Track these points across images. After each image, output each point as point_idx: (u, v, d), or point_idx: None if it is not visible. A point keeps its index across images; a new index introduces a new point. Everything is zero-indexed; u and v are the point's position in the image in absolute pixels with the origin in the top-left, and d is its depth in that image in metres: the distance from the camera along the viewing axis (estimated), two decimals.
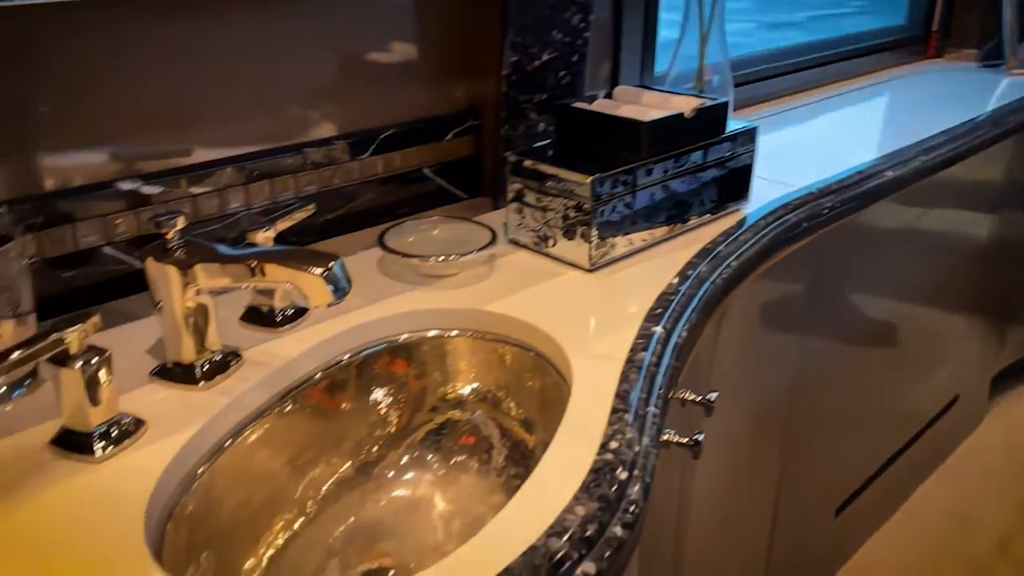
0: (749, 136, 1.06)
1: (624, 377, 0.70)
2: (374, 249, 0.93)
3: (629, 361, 0.73)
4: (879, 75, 1.97)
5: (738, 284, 0.99)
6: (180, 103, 0.85)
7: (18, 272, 0.66)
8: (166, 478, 0.60)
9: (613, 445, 0.61)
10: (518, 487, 0.58)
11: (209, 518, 0.65)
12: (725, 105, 1.01)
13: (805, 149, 1.39)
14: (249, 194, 0.92)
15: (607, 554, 0.53)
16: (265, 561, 0.70)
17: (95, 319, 0.60)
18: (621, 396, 0.68)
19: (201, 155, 0.87)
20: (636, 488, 0.59)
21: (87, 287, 0.82)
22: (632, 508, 0.57)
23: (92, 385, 0.60)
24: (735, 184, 1.07)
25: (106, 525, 0.54)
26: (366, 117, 1.01)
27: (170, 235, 0.66)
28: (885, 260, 1.42)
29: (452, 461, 0.82)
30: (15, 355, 0.55)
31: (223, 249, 0.67)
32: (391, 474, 0.81)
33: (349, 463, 0.80)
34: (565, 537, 0.52)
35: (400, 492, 0.80)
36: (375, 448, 0.81)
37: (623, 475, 0.59)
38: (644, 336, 0.77)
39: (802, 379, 1.28)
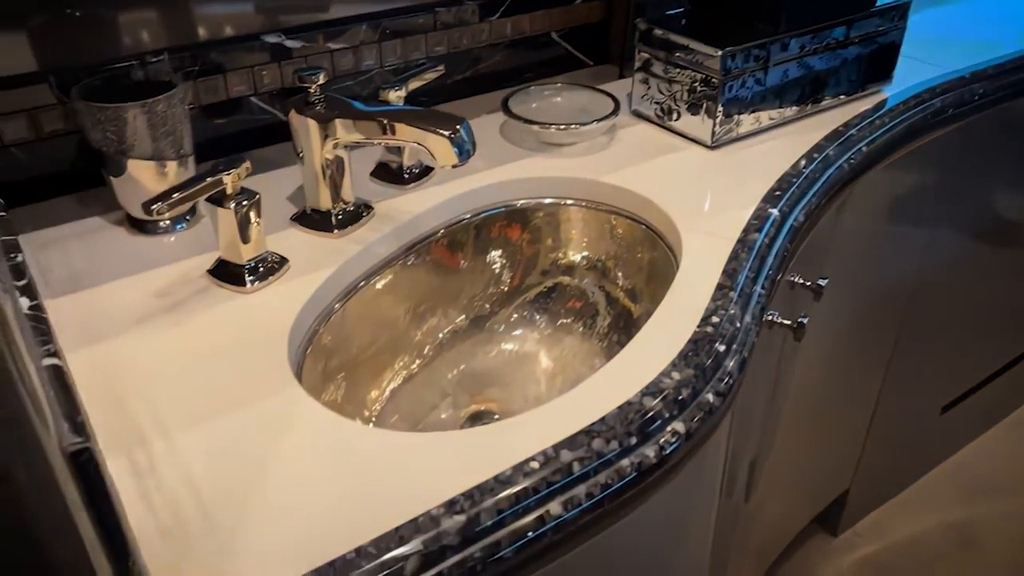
0: (900, 12, 0.98)
1: (734, 255, 0.72)
2: (498, 113, 0.95)
3: (740, 241, 0.74)
4: None
5: (868, 170, 0.96)
6: None
7: (181, 116, 0.73)
8: (306, 311, 0.67)
9: (715, 320, 0.64)
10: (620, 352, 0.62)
11: (340, 350, 0.73)
12: None
13: (966, 27, 1.27)
14: (382, 52, 0.95)
15: (697, 417, 0.57)
16: (387, 393, 0.78)
17: (247, 164, 0.66)
18: (728, 274, 0.69)
19: (338, 11, 0.90)
20: (733, 362, 0.61)
21: (236, 134, 0.89)
22: (727, 379, 0.60)
23: (244, 224, 0.67)
24: (879, 63, 1.01)
25: (256, 345, 0.62)
26: None
27: (313, 89, 0.71)
28: None
29: (558, 323, 0.87)
30: (177, 195, 0.62)
31: (359, 105, 0.71)
32: (501, 329, 0.87)
33: (463, 316, 0.86)
34: (659, 398, 0.56)
35: (508, 346, 0.86)
36: (488, 304, 0.87)
37: (721, 347, 0.61)
38: (759, 217, 0.77)
39: (925, 272, 1.24)
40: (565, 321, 0.88)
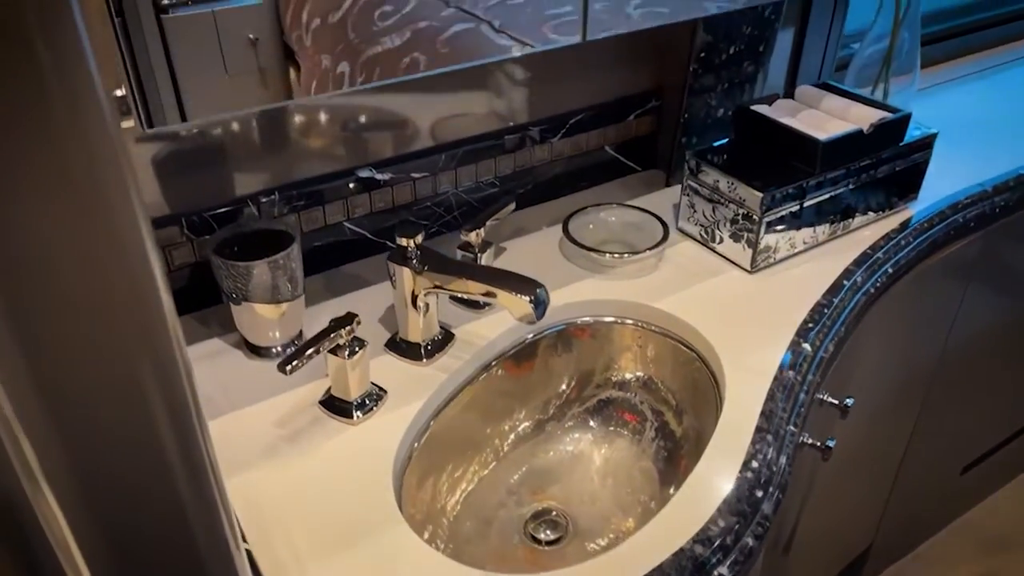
0: (927, 142, 1.08)
1: (770, 396, 0.83)
2: (556, 227, 1.06)
3: (776, 379, 0.85)
4: None
5: (894, 285, 1.06)
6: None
7: (296, 261, 0.85)
8: (404, 438, 0.80)
9: (754, 465, 0.75)
10: (664, 458, 0.72)
11: (429, 466, 0.85)
12: (907, 118, 1.03)
13: (982, 129, 1.36)
14: (458, 176, 1.06)
15: (739, 559, 0.68)
16: (462, 496, 0.90)
17: (358, 319, 0.78)
18: (765, 415, 0.80)
19: (420, 143, 1.02)
20: (769, 504, 0.73)
21: (331, 253, 1.01)
22: (764, 522, 0.71)
23: (354, 369, 0.79)
24: (906, 184, 1.11)
25: (366, 475, 0.74)
26: (559, 104, 1.11)
27: (409, 246, 0.83)
28: None
29: (610, 429, 0.99)
30: (307, 352, 0.74)
31: (450, 262, 0.83)
32: (560, 433, 0.99)
33: (528, 422, 0.98)
34: (707, 546, 0.67)
35: (566, 448, 0.98)
36: (549, 410, 0.99)
37: (759, 493, 0.73)
38: (794, 352, 0.88)
39: (949, 353, 1.33)
40: (616, 428, 0.99)
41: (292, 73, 0.64)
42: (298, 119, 0.92)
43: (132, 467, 0.34)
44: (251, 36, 0.61)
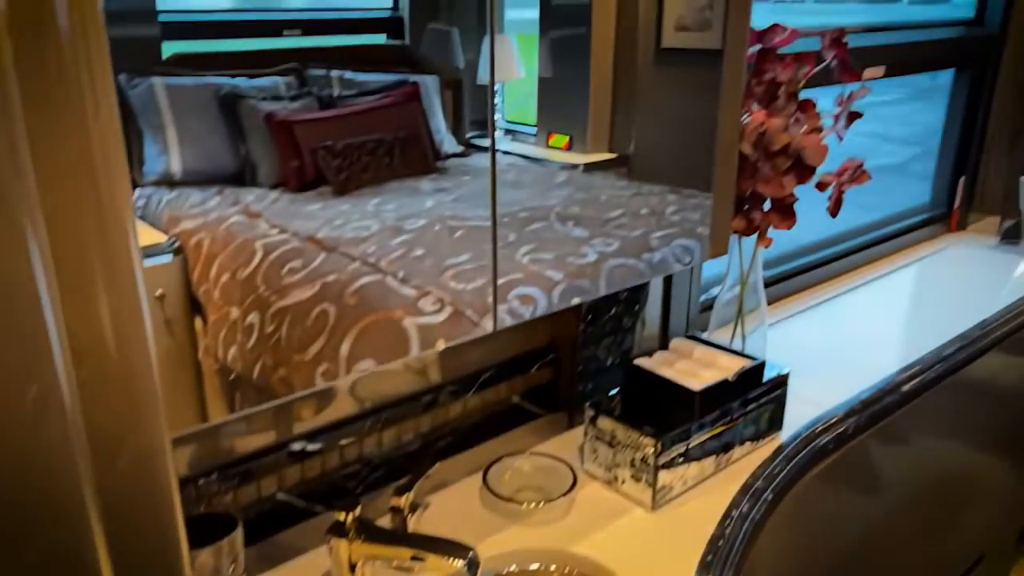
0: (782, 380, 1.28)
1: None
2: (475, 476, 1.16)
3: None
4: (906, 254, 2.17)
5: (777, 506, 1.19)
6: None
7: (240, 544, 0.90)
8: None
9: None
10: None
11: None
12: (763, 364, 1.23)
13: (832, 355, 1.60)
14: (382, 438, 1.16)
15: None
16: None
17: None
18: None
19: (345, 410, 1.12)
20: None
21: (267, 523, 1.06)
22: None
23: None
24: (772, 418, 1.29)
25: None
26: (472, 364, 1.25)
27: (347, 520, 0.90)
28: (911, 452, 1.61)
29: None
30: None
31: (384, 532, 0.90)
32: None
33: None
34: None
35: None
36: None
37: None
38: None
39: (842, 548, 1.46)
40: None
41: (199, 323, 0.71)
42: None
43: None
44: (158, 293, 0.68)
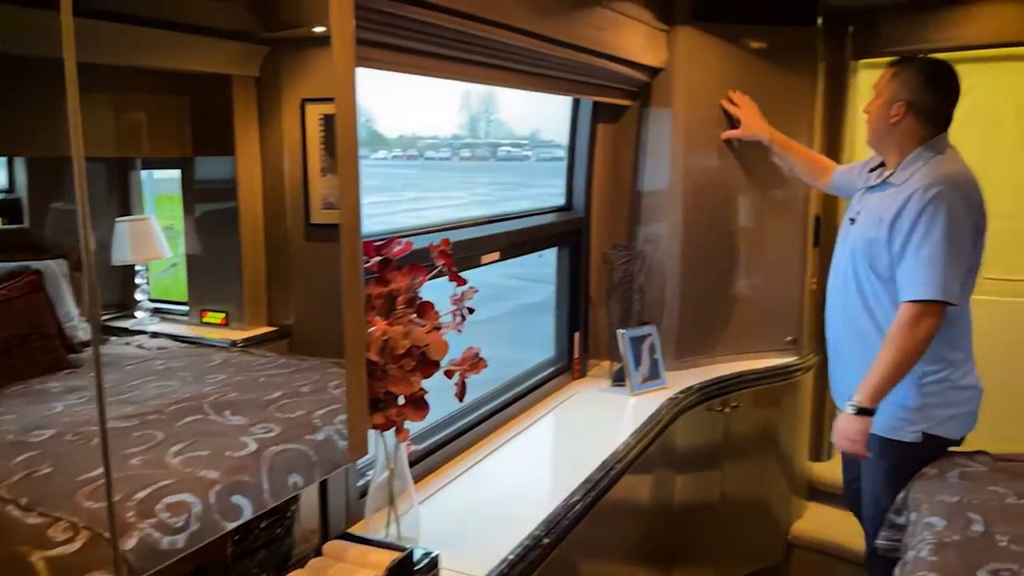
0: (434, 561, 1.37)
1: None
2: None
3: None
4: (541, 405, 2.47)
5: None
6: None
7: None
8: None
9: None
10: None
11: None
12: (411, 553, 1.32)
13: (486, 519, 1.74)
14: None
15: None
16: None
17: None
18: None
19: None
20: None
21: None
22: None
23: None
24: None
25: None
26: None
27: None
28: None
29: None
30: None
31: None
32: None
33: None
34: None
35: None
36: None
37: None
38: None
39: None
40: None
41: None
42: None
43: None
44: None
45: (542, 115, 2.62)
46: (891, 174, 2.06)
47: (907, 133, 2.03)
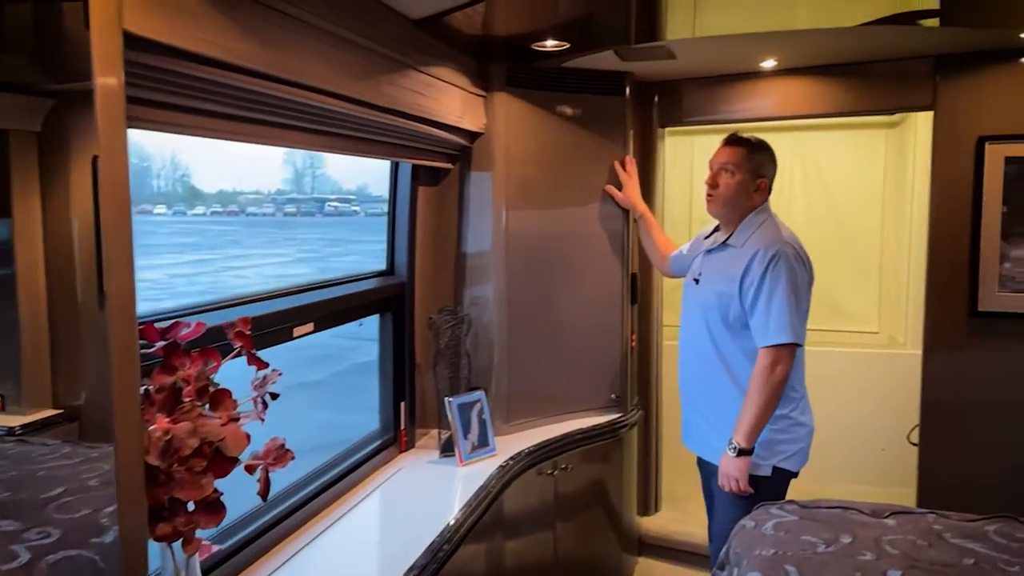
0: None
1: None
2: None
3: None
4: (367, 482, 2.32)
5: None
6: None
7: None
8: None
9: None
10: None
11: None
12: None
13: None
14: None
15: None
16: None
17: None
18: None
19: None
20: None
21: None
22: None
23: None
24: None
25: None
26: None
27: None
28: None
29: None
30: None
31: None
32: None
33: None
34: None
35: None
36: None
37: None
38: None
39: None
40: None
41: None
42: None
43: None
44: None
45: (370, 169, 2.54)
46: (728, 237, 2.30)
47: (750, 202, 2.28)
